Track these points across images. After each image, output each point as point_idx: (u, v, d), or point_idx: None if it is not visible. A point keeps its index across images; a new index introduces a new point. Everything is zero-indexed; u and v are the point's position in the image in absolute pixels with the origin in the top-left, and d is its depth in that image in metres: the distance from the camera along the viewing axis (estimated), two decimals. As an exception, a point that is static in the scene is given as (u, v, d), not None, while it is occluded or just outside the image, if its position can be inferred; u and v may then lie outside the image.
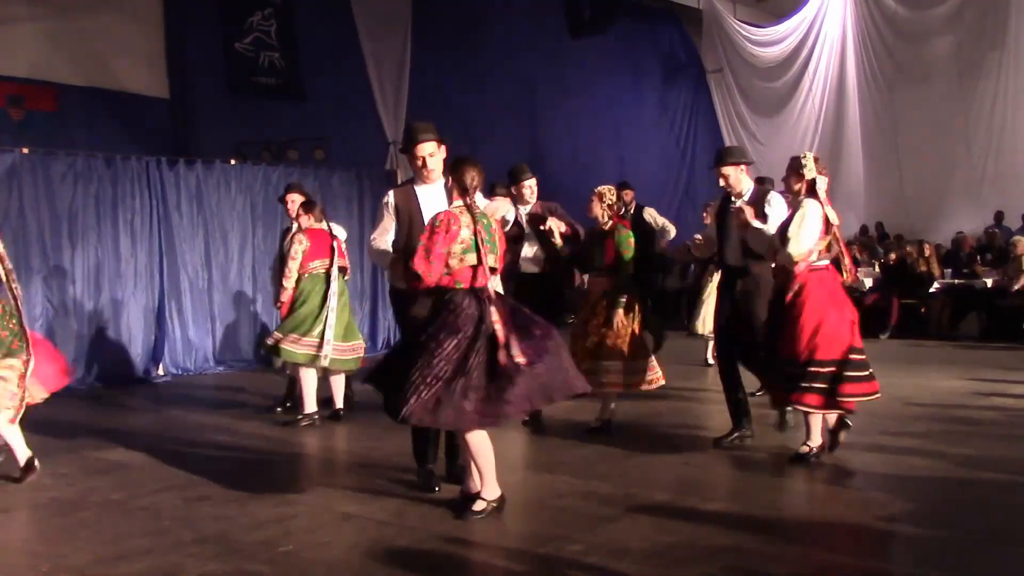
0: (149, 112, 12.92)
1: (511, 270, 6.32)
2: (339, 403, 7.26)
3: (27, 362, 5.34)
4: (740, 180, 5.91)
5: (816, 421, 5.39)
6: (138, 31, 12.96)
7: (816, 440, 5.41)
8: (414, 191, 4.95)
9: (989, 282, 12.50)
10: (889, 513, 4.43)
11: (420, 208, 4.87)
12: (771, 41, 18.18)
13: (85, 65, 12.34)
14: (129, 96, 12.69)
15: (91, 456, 6.18)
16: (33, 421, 7.61)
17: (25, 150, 9.59)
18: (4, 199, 9.26)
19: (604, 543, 4.04)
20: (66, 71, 12.23)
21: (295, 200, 7.51)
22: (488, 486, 4.44)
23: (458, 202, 4.46)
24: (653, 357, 6.29)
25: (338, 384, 7.28)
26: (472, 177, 4.44)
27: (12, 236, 9.32)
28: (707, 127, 18.38)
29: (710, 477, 5.33)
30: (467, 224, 4.35)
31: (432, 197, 4.90)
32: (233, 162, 11.32)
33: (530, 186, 6.75)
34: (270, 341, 7.13)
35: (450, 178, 4.54)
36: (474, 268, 4.36)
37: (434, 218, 4.40)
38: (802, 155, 5.52)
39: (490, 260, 4.42)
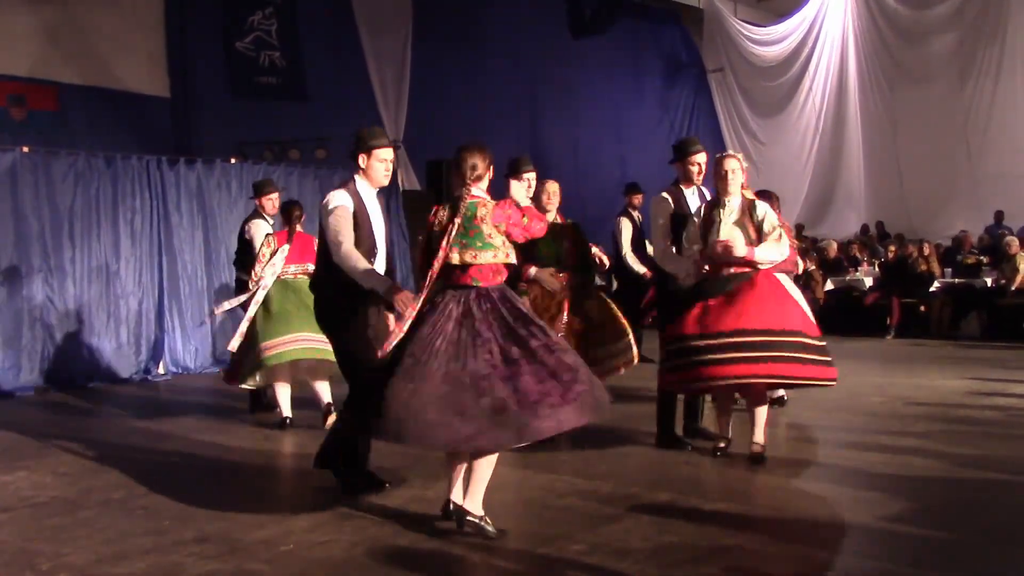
0: (150, 111, 12.93)
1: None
2: (327, 397, 6.89)
3: None
4: None
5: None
6: (139, 30, 12.96)
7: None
8: (357, 191, 4.87)
9: (989, 281, 12.49)
10: (890, 513, 4.42)
11: (367, 209, 4.84)
12: (772, 40, 18.19)
13: (86, 64, 12.35)
14: (130, 95, 12.70)
15: (91, 455, 6.17)
16: (33, 420, 7.65)
17: (26, 149, 9.60)
18: (5, 198, 9.27)
19: (606, 543, 4.04)
20: (67, 70, 12.24)
21: (278, 199, 7.44)
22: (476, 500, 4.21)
23: (458, 193, 4.30)
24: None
25: (322, 387, 6.98)
26: (472, 165, 4.25)
27: (13, 235, 9.35)
28: (708, 127, 18.38)
29: (712, 477, 5.33)
30: (439, 222, 4.26)
31: (372, 198, 4.93)
32: (234, 161, 11.32)
33: (528, 179, 6.61)
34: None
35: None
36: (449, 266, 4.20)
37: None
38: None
39: (466, 257, 4.17)
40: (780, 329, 5.13)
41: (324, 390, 6.91)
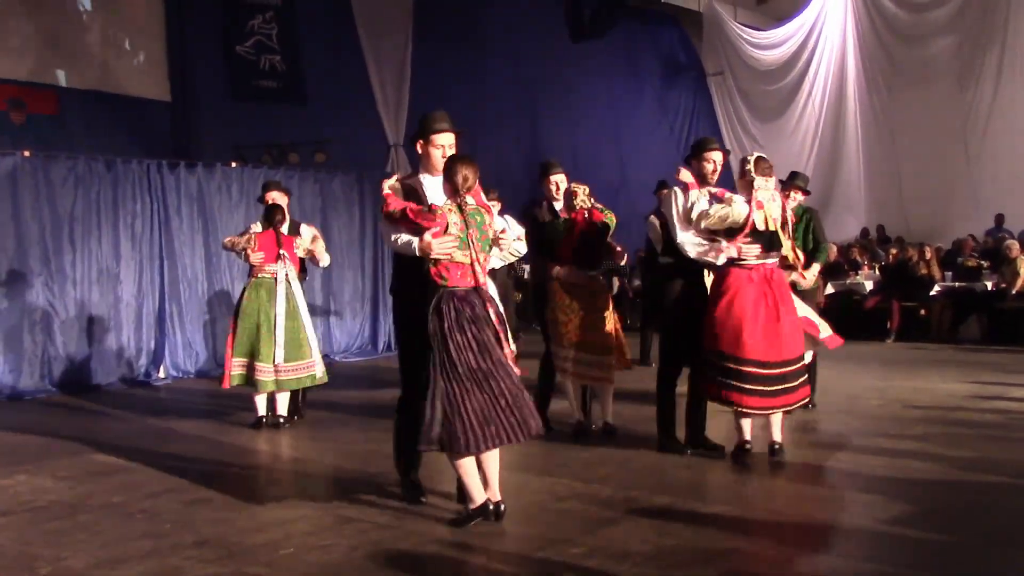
0: (150, 115, 12.93)
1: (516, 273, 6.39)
2: (282, 410, 7.15)
3: None
4: None
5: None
6: (139, 34, 12.97)
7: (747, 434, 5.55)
8: (420, 181, 4.74)
9: (989, 285, 12.48)
10: (889, 516, 4.42)
11: (426, 198, 4.66)
12: (771, 44, 18.20)
13: (86, 68, 12.36)
14: (130, 99, 12.70)
15: (91, 459, 6.18)
16: (33, 424, 7.65)
17: (26, 153, 9.61)
18: (5, 202, 9.28)
19: (604, 546, 4.04)
20: (66, 74, 12.25)
21: (276, 199, 7.43)
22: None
23: (448, 202, 4.43)
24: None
25: (281, 396, 7.17)
26: (464, 177, 4.39)
27: (13, 239, 9.35)
28: (707, 130, 18.36)
29: (711, 480, 5.32)
30: (455, 223, 4.34)
31: (437, 188, 4.75)
32: (234, 165, 11.33)
33: (556, 181, 6.66)
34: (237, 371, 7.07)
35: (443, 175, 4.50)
36: (467, 266, 4.36)
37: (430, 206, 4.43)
38: (746, 157, 5.58)
39: (488, 260, 4.45)
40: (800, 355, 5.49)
41: (283, 400, 7.18)
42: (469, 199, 4.43)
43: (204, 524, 4.56)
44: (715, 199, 5.58)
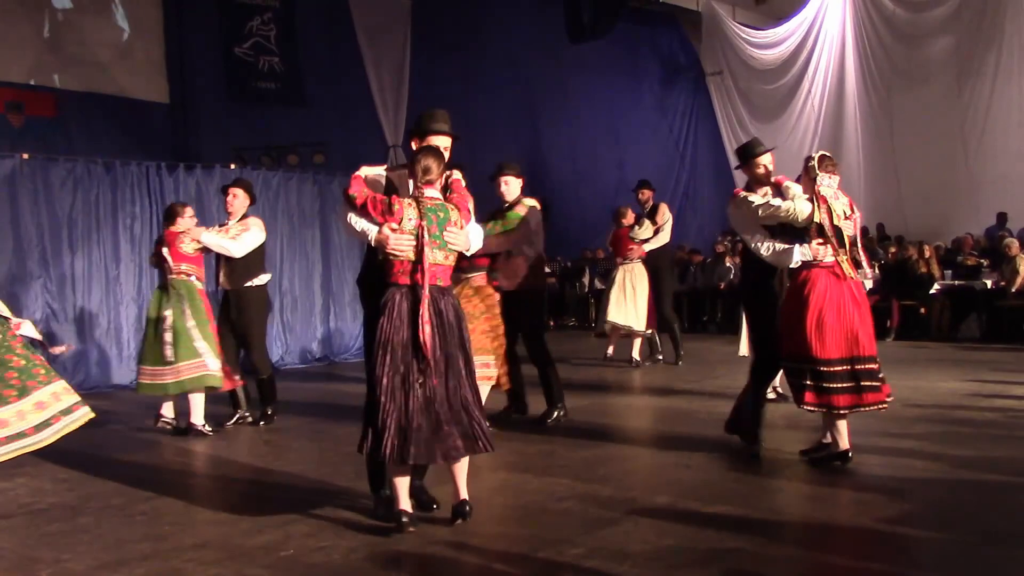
0: (149, 117, 12.95)
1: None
2: (194, 419, 7.02)
3: None
4: None
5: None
6: (138, 37, 12.99)
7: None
8: (405, 177, 4.54)
9: (989, 283, 12.49)
10: (889, 515, 4.42)
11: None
12: (770, 43, 18.21)
13: (84, 71, 12.37)
14: (129, 101, 12.72)
15: (91, 461, 6.17)
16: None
17: (25, 156, 9.62)
18: (4, 205, 9.29)
19: (604, 547, 4.03)
20: (66, 77, 12.26)
21: (236, 194, 7.30)
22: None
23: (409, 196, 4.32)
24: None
25: (194, 400, 7.05)
26: (424, 168, 4.27)
27: (12, 242, 9.36)
28: (706, 129, 18.41)
29: (710, 480, 5.32)
30: (411, 217, 4.20)
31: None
32: (233, 167, 11.32)
33: (501, 181, 6.61)
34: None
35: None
36: (408, 264, 4.22)
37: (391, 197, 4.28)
38: (810, 155, 5.59)
39: (438, 257, 4.25)
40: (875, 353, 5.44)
41: (196, 406, 7.07)
42: (428, 191, 4.29)
43: (204, 526, 4.57)
44: (775, 188, 5.59)
